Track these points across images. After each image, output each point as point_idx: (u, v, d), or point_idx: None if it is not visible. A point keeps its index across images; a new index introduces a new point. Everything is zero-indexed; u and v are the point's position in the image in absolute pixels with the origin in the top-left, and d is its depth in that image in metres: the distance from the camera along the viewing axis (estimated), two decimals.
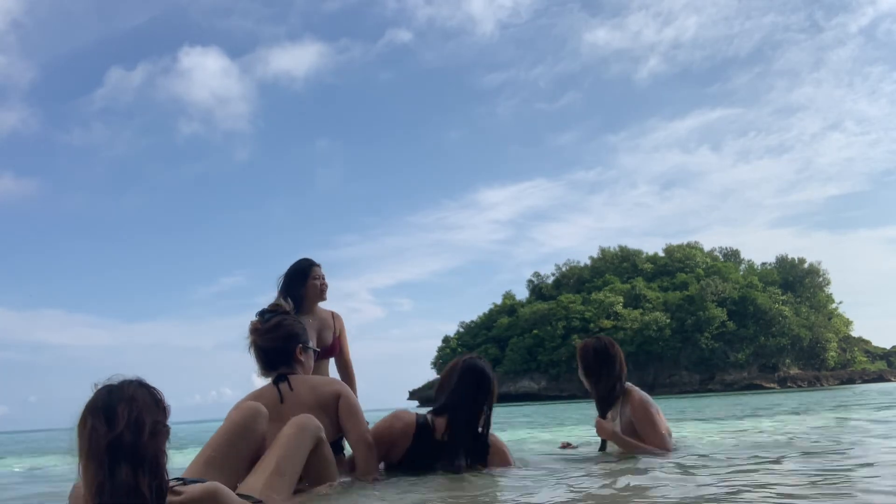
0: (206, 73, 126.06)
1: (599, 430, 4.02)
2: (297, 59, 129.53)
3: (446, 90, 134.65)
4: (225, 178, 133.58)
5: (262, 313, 3.34)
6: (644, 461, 3.44)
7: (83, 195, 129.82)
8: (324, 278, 4.51)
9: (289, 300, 3.61)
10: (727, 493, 2.35)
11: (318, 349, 4.30)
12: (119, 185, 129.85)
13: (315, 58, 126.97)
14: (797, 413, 9.07)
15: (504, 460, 3.48)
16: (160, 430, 1.98)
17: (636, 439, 3.84)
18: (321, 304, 4.61)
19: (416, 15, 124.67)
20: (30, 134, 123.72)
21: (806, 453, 3.65)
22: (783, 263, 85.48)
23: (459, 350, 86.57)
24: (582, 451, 4.49)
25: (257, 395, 3.12)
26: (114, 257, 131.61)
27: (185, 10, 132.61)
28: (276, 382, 3.13)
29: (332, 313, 4.65)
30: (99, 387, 2.02)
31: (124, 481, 1.89)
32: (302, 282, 4.43)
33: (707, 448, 4.15)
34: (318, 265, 4.55)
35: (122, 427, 1.92)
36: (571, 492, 2.70)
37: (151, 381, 2.55)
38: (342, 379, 4.60)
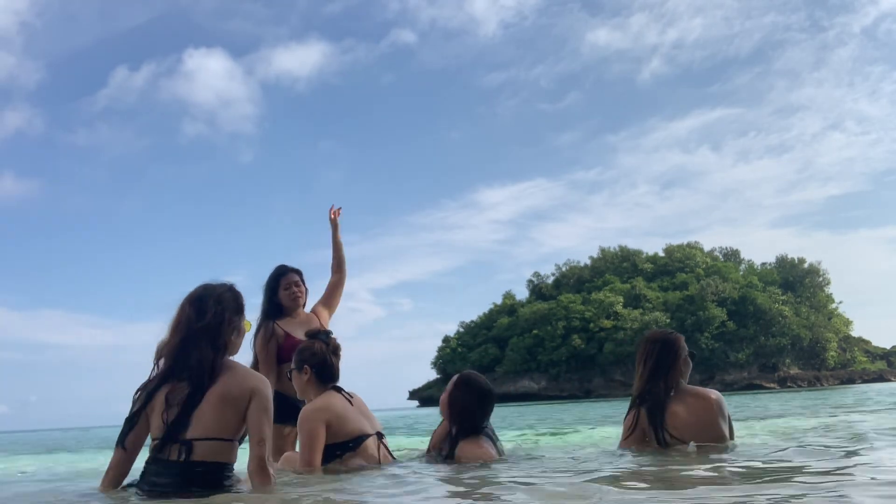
0: (209, 74, 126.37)
1: None
2: (301, 61, 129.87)
3: (448, 90, 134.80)
4: (227, 178, 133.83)
5: (317, 336, 3.82)
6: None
7: (85, 195, 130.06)
8: (297, 285, 4.59)
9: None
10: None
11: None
12: (121, 185, 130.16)
13: (318, 59, 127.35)
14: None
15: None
16: (233, 324, 2.87)
17: None
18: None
19: (418, 16, 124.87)
20: (36, 134, 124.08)
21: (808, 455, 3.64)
22: (783, 263, 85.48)
23: (459, 350, 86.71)
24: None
25: (329, 402, 3.61)
26: (114, 257, 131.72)
27: (189, 12, 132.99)
28: (338, 391, 3.67)
29: (314, 311, 4.79)
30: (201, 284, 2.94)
31: (202, 355, 2.78)
32: (275, 291, 4.58)
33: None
34: (291, 272, 4.63)
35: (210, 318, 2.82)
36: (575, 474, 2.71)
37: None
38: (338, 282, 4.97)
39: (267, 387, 2.84)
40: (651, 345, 3.79)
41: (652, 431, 3.65)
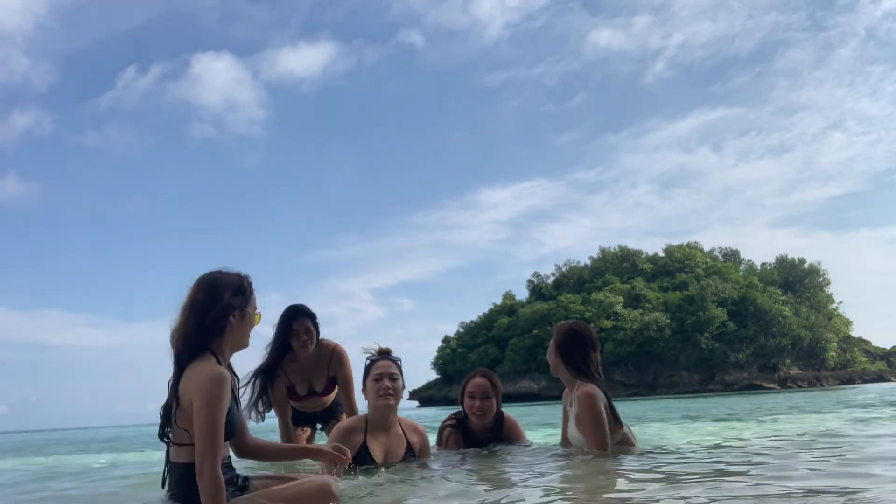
0: (217, 77, 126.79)
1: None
2: (306, 63, 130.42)
3: (449, 91, 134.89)
4: (233, 181, 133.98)
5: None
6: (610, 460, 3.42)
7: (88, 197, 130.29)
8: (307, 332, 4.50)
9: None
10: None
11: (304, 394, 4.73)
12: (126, 186, 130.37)
13: (323, 60, 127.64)
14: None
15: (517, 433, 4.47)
16: (233, 306, 2.71)
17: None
18: (328, 314, 4.91)
19: (421, 17, 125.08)
20: (44, 135, 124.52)
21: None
22: (783, 263, 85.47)
23: (459, 350, 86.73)
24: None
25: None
26: (115, 258, 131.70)
27: (196, 15, 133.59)
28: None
29: (332, 351, 4.71)
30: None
31: (187, 329, 2.64)
32: (287, 334, 4.53)
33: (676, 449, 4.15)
34: (304, 317, 4.52)
35: (199, 295, 2.70)
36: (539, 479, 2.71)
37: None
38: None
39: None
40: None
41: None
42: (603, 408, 3.68)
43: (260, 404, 4.63)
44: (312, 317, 4.57)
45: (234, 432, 2.68)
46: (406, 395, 3.92)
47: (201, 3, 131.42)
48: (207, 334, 2.66)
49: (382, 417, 3.72)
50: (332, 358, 4.69)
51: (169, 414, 2.59)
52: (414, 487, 3.00)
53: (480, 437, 4.39)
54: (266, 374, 4.59)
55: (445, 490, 2.88)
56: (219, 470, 2.45)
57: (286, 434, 4.81)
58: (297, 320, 4.52)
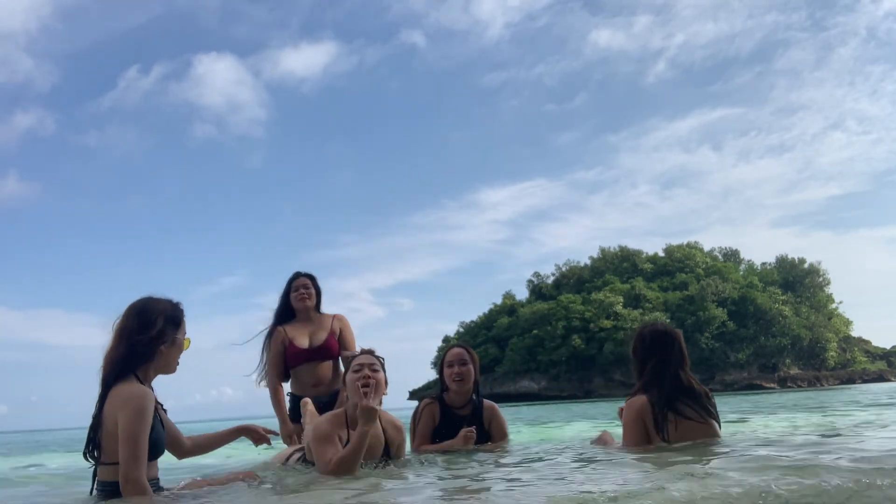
0: (219, 77, 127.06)
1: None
2: (307, 63, 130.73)
3: (450, 91, 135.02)
4: (231, 180, 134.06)
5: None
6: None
7: (89, 197, 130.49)
8: (305, 287, 4.88)
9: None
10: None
11: (306, 348, 4.75)
12: (127, 186, 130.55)
13: (324, 61, 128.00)
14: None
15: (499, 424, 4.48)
16: (166, 336, 2.77)
17: None
18: (327, 310, 5.00)
19: (423, 17, 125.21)
20: (46, 136, 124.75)
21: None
22: (783, 263, 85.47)
23: None
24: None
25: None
26: (114, 258, 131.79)
27: (197, 16, 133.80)
28: None
29: (334, 316, 5.00)
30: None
31: (116, 354, 2.70)
32: (287, 293, 4.93)
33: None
34: (302, 276, 4.95)
35: (130, 320, 2.75)
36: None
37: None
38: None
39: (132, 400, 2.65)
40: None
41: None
42: (634, 418, 3.55)
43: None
44: (313, 278, 4.95)
45: (160, 452, 2.77)
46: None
47: (202, 3, 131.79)
48: (136, 360, 2.73)
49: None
50: (334, 321, 4.91)
51: (94, 435, 2.66)
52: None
53: (459, 410, 4.43)
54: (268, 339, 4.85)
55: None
56: (143, 477, 2.53)
57: (276, 397, 4.80)
58: (297, 279, 4.91)
